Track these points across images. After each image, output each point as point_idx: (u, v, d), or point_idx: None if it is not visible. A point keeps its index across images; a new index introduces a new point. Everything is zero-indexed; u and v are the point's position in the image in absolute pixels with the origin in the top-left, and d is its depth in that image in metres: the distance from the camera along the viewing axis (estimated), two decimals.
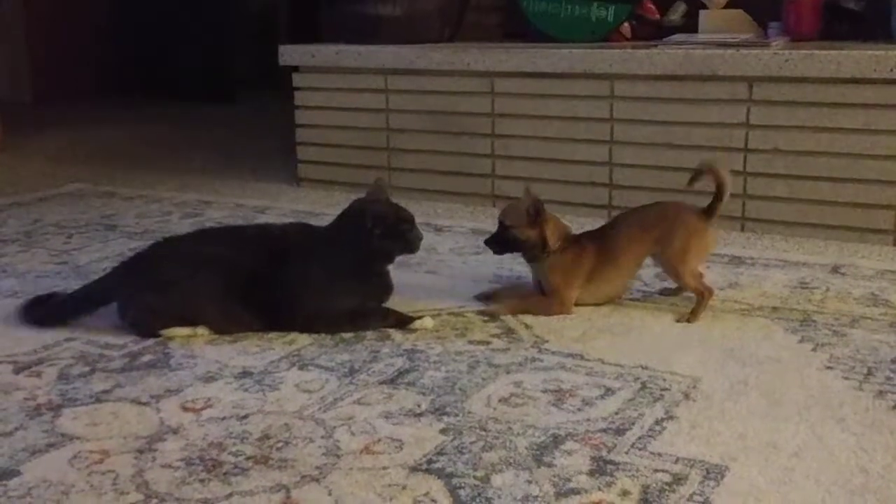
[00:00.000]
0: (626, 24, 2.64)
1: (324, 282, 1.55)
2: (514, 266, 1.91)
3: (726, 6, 2.59)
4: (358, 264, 1.57)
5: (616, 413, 1.23)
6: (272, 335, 1.53)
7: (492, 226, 2.25)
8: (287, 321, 1.54)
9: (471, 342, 1.49)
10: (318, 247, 1.58)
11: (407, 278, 1.72)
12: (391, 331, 1.54)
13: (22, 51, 4.92)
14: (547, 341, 1.49)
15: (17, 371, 1.40)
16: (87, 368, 1.40)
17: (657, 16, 2.71)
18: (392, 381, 1.34)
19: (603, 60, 2.31)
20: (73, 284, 1.79)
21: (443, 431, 1.18)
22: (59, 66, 4.97)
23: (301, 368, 1.39)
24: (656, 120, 2.27)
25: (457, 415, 1.23)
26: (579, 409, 1.24)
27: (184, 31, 4.88)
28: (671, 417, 1.21)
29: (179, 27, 4.90)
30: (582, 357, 1.43)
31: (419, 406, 1.26)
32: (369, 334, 1.52)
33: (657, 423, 1.20)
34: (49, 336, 1.53)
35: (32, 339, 1.52)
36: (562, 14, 2.64)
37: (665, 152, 2.27)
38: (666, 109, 2.26)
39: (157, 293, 1.52)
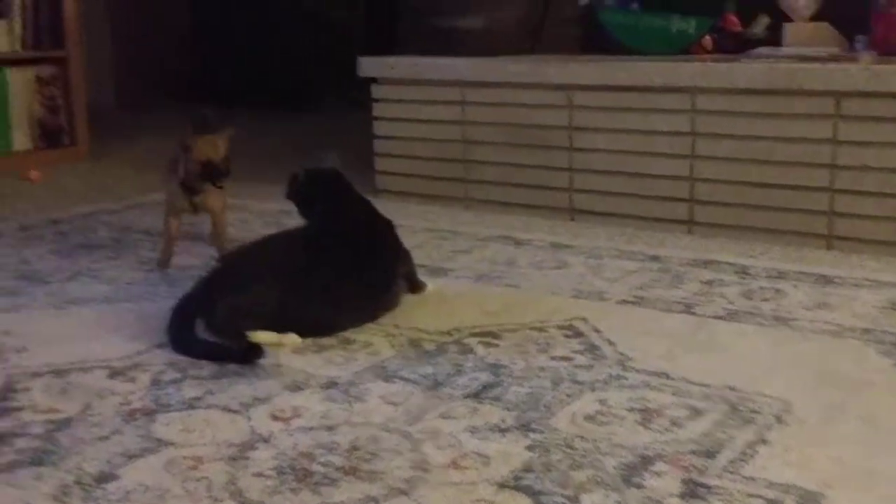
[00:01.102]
0: (707, 37, 2.61)
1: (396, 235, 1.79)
2: (595, 281, 1.90)
3: (811, 19, 2.54)
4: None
5: (705, 435, 1.21)
6: (356, 346, 1.55)
7: (570, 239, 2.27)
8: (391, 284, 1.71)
9: (553, 358, 1.49)
10: (362, 215, 1.79)
11: (487, 291, 1.73)
12: (474, 345, 1.55)
13: (106, 56, 5.07)
14: (631, 359, 1.48)
15: (111, 376, 1.44)
16: (178, 375, 1.44)
17: (740, 28, 2.67)
18: (476, 396, 1.35)
19: (684, 73, 2.29)
20: (162, 291, 1.84)
21: (529, 448, 1.18)
22: (141, 72, 5.11)
23: (386, 380, 1.41)
24: (739, 134, 2.24)
25: (542, 431, 1.23)
26: (667, 430, 1.23)
27: (262, 40, 4.99)
28: (763, 441, 1.19)
29: (258, 37, 5.01)
30: (667, 376, 1.41)
31: (504, 421, 1.26)
32: (451, 347, 1.53)
33: (749, 446, 1.18)
34: (140, 343, 1.57)
35: (124, 346, 1.56)
36: (641, 26, 2.62)
37: (748, 167, 2.23)
38: (749, 124, 2.22)
39: (240, 294, 1.55)
